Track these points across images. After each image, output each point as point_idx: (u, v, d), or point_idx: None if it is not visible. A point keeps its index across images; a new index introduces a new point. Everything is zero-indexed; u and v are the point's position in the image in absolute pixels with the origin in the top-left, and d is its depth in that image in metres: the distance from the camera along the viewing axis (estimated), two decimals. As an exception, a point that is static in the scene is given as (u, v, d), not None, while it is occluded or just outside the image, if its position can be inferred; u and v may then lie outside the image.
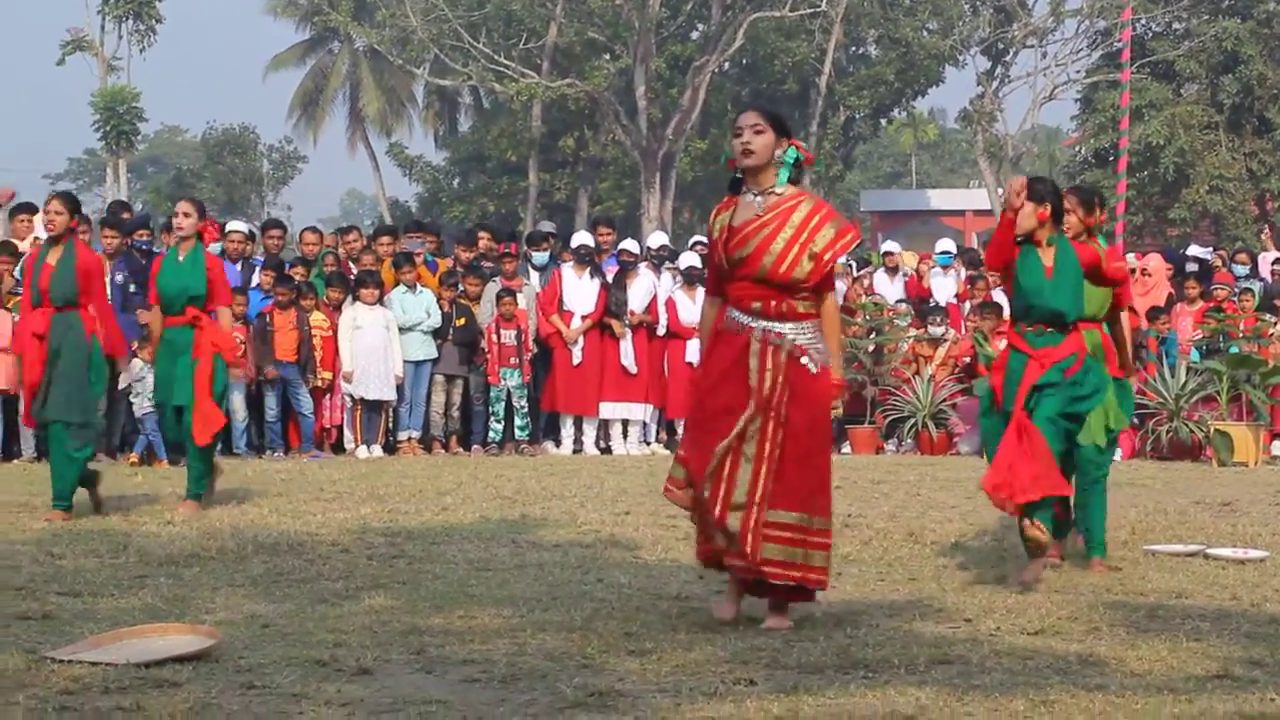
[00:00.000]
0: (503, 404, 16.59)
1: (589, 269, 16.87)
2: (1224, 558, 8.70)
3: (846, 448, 17.22)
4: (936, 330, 18.03)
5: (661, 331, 17.14)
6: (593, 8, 37.26)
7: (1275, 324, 17.55)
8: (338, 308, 16.19)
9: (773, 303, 6.56)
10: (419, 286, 16.45)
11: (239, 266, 16.32)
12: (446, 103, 49.19)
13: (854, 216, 50.46)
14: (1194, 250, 20.81)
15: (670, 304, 17.19)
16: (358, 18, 39.97)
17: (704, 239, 18.50)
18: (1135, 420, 11.66)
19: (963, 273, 19.38)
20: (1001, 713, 5.03)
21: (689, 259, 17.48)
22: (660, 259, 17.95)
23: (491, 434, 16.62)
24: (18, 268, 14.62)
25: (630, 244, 17.79)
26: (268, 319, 15.64)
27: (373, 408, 16.20)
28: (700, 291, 16.36)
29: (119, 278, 15.19)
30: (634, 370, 16.89)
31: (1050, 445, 7.68)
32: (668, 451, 16.23)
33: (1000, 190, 36.44)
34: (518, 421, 16.71)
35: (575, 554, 8.63)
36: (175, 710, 4.91)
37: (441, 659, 5.78)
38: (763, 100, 37.65)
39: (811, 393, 6.54)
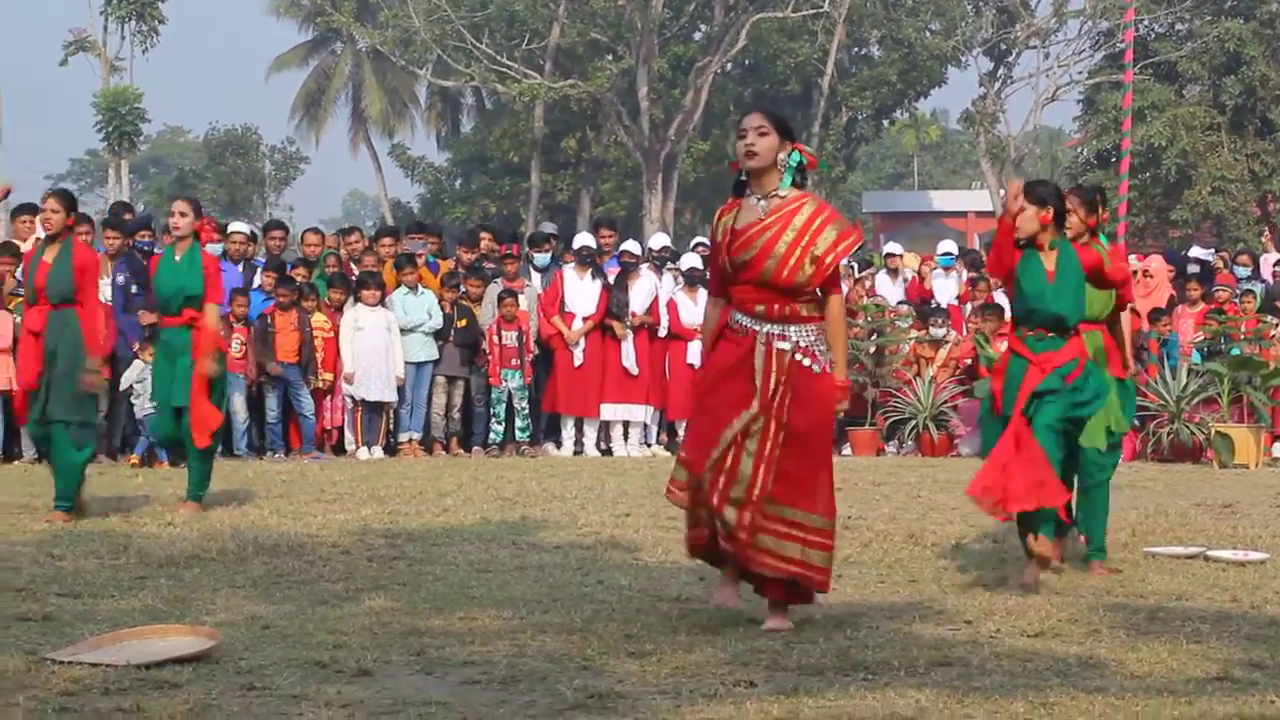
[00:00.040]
0: (504, 405, 16.59)
1: (590, 270, 16.87)
2: (1224, 560, 8.70)
3: (847, 449, 17.21)
4: (938, 332, 18.02)
5: (663, 333, 17.14)
6: (595, 8, 37.26)
7: (1277, 326, 17.53)
8: (339, 309, 16.19)
9: (776, 306, 6.56)
10: (420, 288, 16.45)
11: (240, 267, 16.33)
12: (449, 104, 49.20)
13: (856, 218, 50.44)
14: (1196, 252, 20.80)
15: (672, 305, 17.19)
16: (360, 18, 39.96)
17: (706, 240, 18.53)
18: (1136, 422, 11.63)
19: (964, 274, 19.37)
20: (1001, 715, 5.03)
21: (691, 260, 17.48)
22: (662, 260, 17.95)
23: (492, 435, 16.62)
24: (19, 269, 14.62)
25: (632, 245, 17.80)
26: (269, 320, 15.64)
27: (374, 409, 16.21)
28: (701, 293, 16.40)
29: (120, 278, 15.20)
30: (635, 372, 16.89)
31: (1050, 454, 7.65)
32: (668, 453, 16.24)
33: (1002, 192, 36.44)
34: (519, 423, 16.71)
35: (576, 556, 8.63)
36: (175, 712, 4.91)
37: (442, 660, 5.79)
38: (765, 101, 37.70)
39: (813, 395, 6.54)
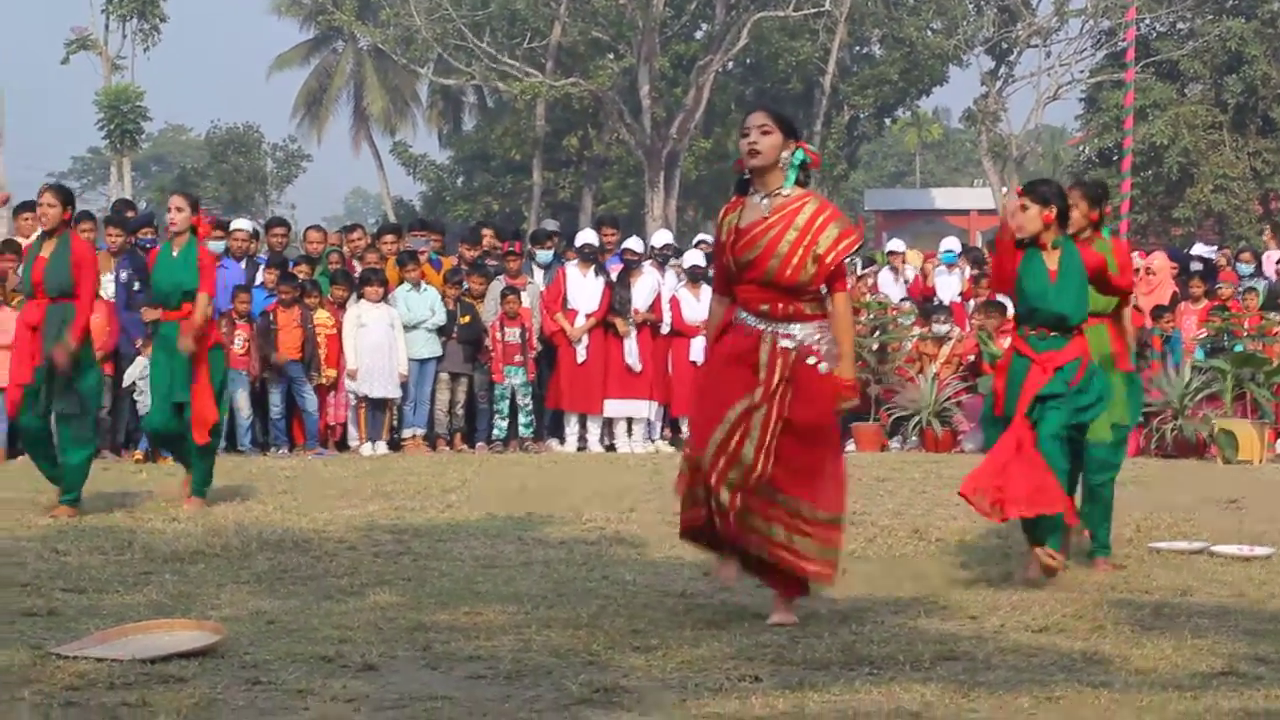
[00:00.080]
0: (507, 402, 16.60)
1: (593, 267, 16.87)
2: (1229, 555, 8.71)
3: (851, 445, 17.20)
4: (941, 329, 18.02)
5: (665, 330, 17.13)
6: (596, 7, 37.25)
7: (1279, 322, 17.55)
8: (342, 305, 16.20)
9: (780, 305, 6.56)
10: (423, 284, 16.46)
11: (243, 264, 16.32)
12: (450, 102, 49.18)
13: (858, 216, 50.47)
14: (1199, 249, 20.83)
15: (674, 302, 17.18)
16: (362, 17, 39.95)
17: (708, 238, 18.53)
18: (1140, 419, 11.65)
19: (967, 271, 19.36)
20: (1006, 709, 5.03)
21: (693, 257, 17.47)
22: (664, 257, 17.93)
23: (496, 431, 16.63)
24: (21, 266, 14.62)
25: (634, 242, 17.80)
26: (271, 317, 15.64)
27: (377, 405, 16.21)
28: (704, 289, 16.41)
29: (123, 275, 15.20)
30: (638, 368, 16.89)
31: (1055, 464, 7.60)
32: (672, 449, 16.24)
33: (1004, 190, 36.48)
34: (522, 419, 16.72)
35: (580, 551, 8.64)
36: (181, 706, 4.91)
37: (447, 655, 5.79)
38: (767, 100, 37.71)
39: (816, 391, 6.53)
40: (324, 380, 15.95)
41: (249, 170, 51.51)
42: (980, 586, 7.59)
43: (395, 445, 16.29)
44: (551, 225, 22.65)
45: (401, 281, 16.39)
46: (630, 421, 17.10)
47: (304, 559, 8.13)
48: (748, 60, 41.27)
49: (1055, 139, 61.28)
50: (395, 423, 16.46)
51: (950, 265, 19.60)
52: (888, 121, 46.66)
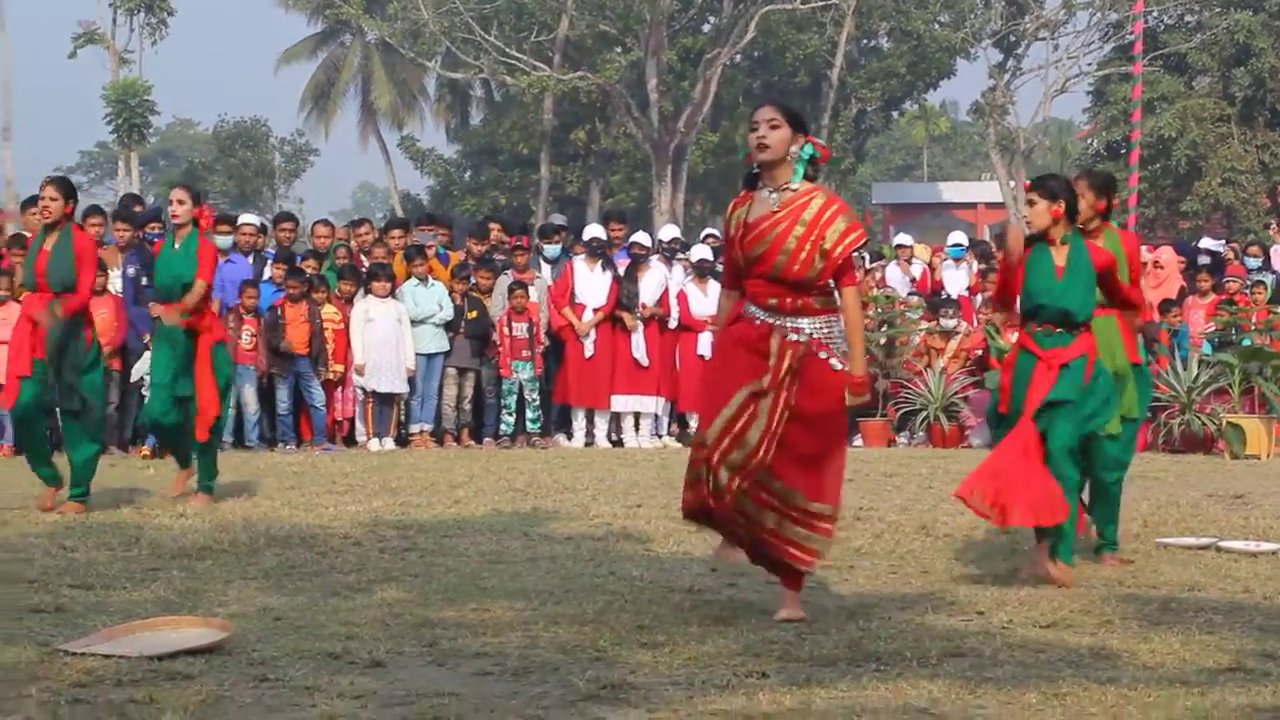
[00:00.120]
0: (514, 397, 16.61)
1: (601, 262, 16.87)
2: (1236, 550, 8.69)
3: (858, 440, 17.20)
4: (948, 323, 18.02)
5: (673, 324, 17.13)
6: (603, 1, 37.22)
7: (1288, 317, 17.53)
8: (349, 300, 16.20)
9: (789, 300, 6.55)
10: (431, 279, 16.46)
11: (250, 259, 16.33)
12: (458, 96, 49.15)
13: (866, 209, 50.46)
14: (1206, 243, 20.79)
15: (682, 297, 17.18)
16: (369, 11, 39.93)
17: (716, 232, 18.53)
18: (1148, 413, 11.63)
19: (975, 265, 19.36)
20: (1014, 705, 5.02)
21: (700, 251, 17.47)
22: (672, 252, 17.93)
23: (503, 427, 16.64)
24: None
25: (642, 237, 17.80)
26: (279, 312, 15.65)
27: (384, 400, 16.22)
28: (711, 284, 16.41)
29: (131, 270, 15.21)
30: (646, 363, 16.89)
31: (1065, 477, 7.55)
32: (679, 444, 16.24)
33: (1012, 183, 36.43)
34: (529, 414, 16.73)
35: (587, 547, 8.64)
36: (188, 703, 4.91)
37: (454, 652, 5.79)
38: (774, 93, 37.69)
39: (824, 384, 6.51)
40: (331, 375, 15.96)
41: (256, 164, 51.50)
42: (987, 582, 7.58)
43: (403, 441, 16.31)
44: (559, 219, 22.67)
45: (409, 276, 16.40)
46: (638, 416, 17.10)
47: (311, 555, 8.14)
48: (755, 53, 41.24)
49: (1063, 132, 61.21)
50: (403, 418, 16.48)
51: (958, 259, 19.61)
52: (895, 115, 46.59)
